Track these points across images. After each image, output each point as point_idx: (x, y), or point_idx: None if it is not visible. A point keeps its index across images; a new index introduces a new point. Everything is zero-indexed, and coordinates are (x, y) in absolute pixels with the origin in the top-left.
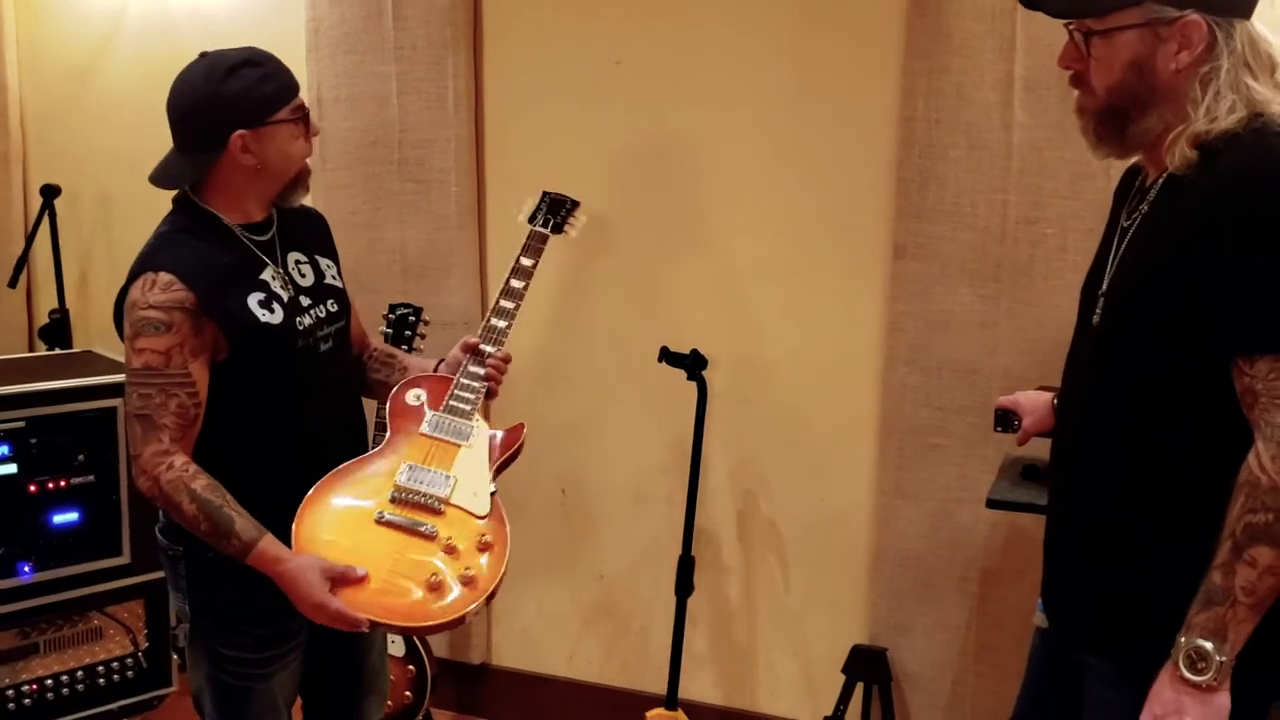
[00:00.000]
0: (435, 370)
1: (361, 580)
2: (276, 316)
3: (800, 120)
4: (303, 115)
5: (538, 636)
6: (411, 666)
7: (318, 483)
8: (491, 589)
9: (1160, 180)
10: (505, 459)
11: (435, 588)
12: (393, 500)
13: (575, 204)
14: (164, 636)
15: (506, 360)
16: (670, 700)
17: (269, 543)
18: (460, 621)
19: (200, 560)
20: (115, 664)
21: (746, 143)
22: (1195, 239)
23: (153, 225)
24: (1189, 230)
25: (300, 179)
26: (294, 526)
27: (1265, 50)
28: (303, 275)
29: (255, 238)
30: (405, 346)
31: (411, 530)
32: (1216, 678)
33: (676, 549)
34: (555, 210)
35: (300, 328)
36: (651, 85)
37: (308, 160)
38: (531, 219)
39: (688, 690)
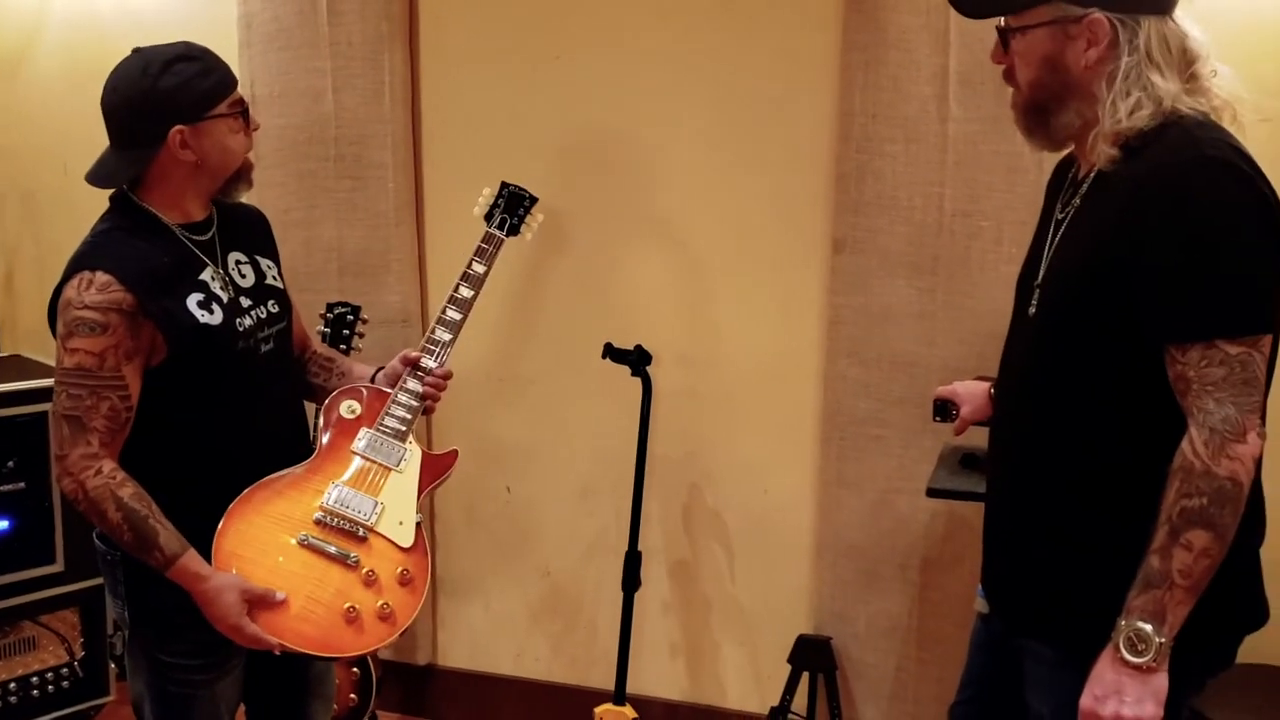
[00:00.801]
0: (373, 379)
1: (280, 604)
2: (216, 317)
3: (739, 114)
4: (241, 109)
5: (485, 635)
6: (356, 669)
7: (242, 494)
8: (407, 625)
9: (1091, 173)
10: (436, 485)
11: (351, 620)
12: (317, 522)
13: (533, 200)
14: (100, 645)
15: (447, 377)
16: (619, 695)
17: (191, 558)
18: (373, 654)
19: (140, 565)
20: (50, 674)
21: (686, 137)
22: (1123, 232)
23: (82, 225)
24: (1117, 223)
25: (242, 174)
26: (215, 539)
27: (1180, 46)
28: (243, 276)
29: (195, 237)
30: (343, 346)
31: (333, 557)
32: (1156, 659)
33: (623, 544)
34: (513, 207)
35: (240, 329)
36: (591, 80)
37: (249, 155)
38: (488, 216)
39: (636, 684)
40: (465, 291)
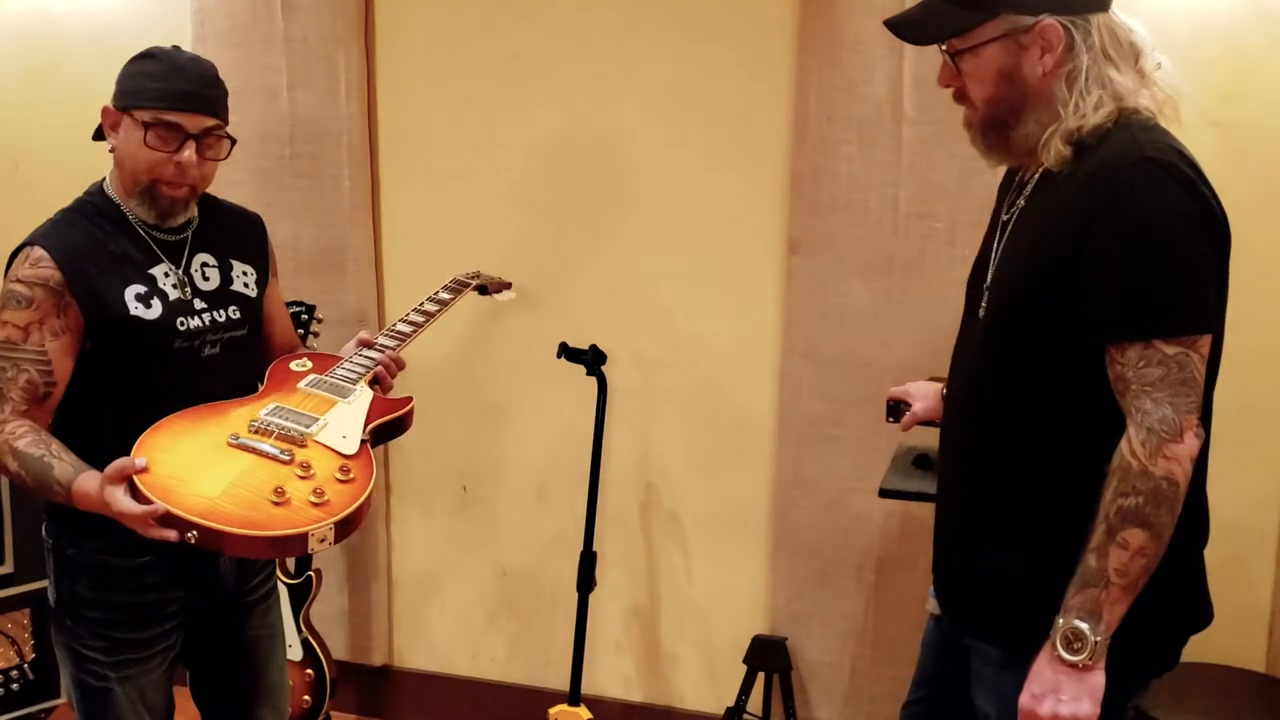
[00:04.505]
0: None
1: (142, 470)
2: (153, 312)
3: (695, 115)
4: (153, 127)
5: (440, 636)
6: (310, 670)
7: (176, 413)
8: (343, 515)
9: (1036, 175)
10: (387, 421)
11: (280, 502)
12: (251, 429)
13: (508, 284)
14: (50, 647)
15: (398, 363)
16: (573, 696)
17: (86, 477)
18: (302, 543)
19: (62, 555)
20: None
21: (642, 137)
22: (1066, 232)
23: (32, 222)
24: (1060, 224)
25: (151, 195)
26: (139, 447)
27: (1126, 39)
28: (206, 279)
29: (161, 235)
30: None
31: (264, 453)
32: (1092, 657)
33: (579, 544)
34: (483, 287)
35: (181, 328)
36: (547, 79)
37: (170, 189)
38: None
39: (591, 685)
40: (430, 306)
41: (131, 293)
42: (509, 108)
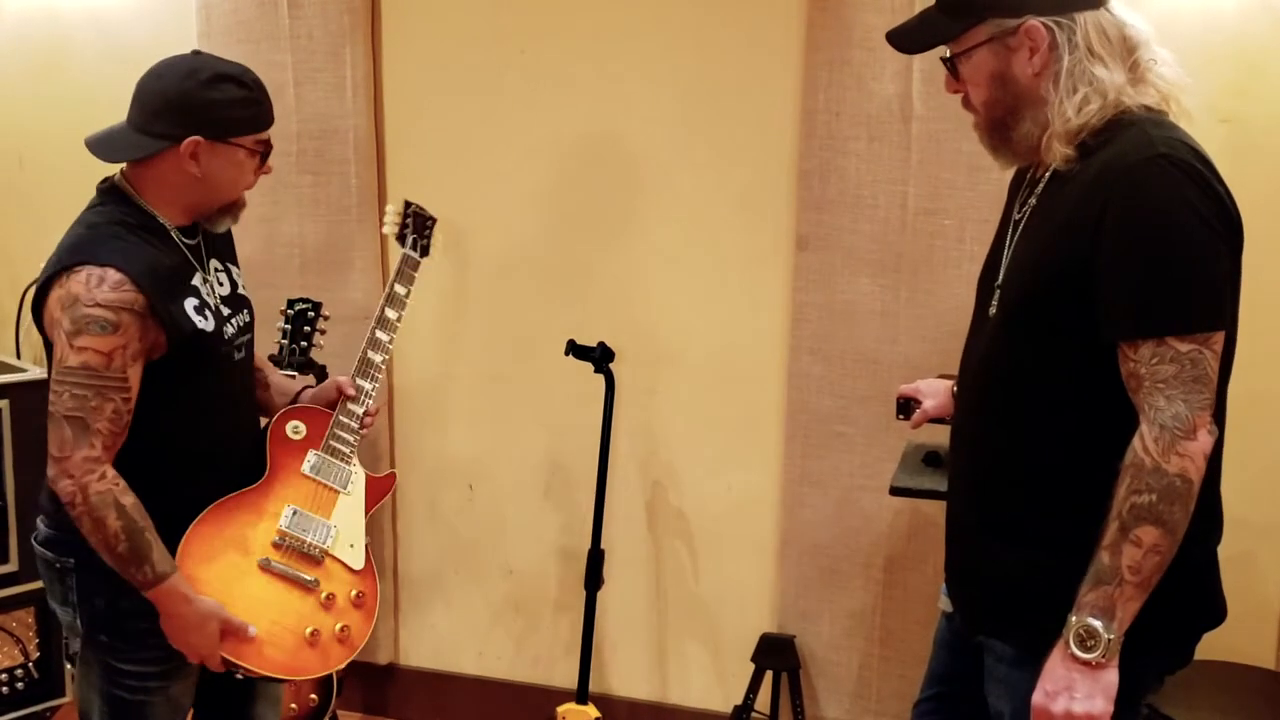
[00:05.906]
0: (299, 395)
1: (250, 638)
2: (209, 324)
3: (704, 111)
4: (263, 151)
5: (447, 634)
6: None
7: (200, 516)
8: (362, 645)
9: (1048, 173)
10: (377, 506)
11: (313, 644)
12: (276, 545)
13: (433, 220)
14: (56, 645)
15: (373, 414)
16: (581, 694)
17: (180, 580)
18: (329, 678)
19: (97, 570)
20: (4, 675)
21: (650, 134)
22: (1079, 229)
23: (36, 219)
24: (1071, 221)
25: (232, 209)
26: (178, 560)
27: (1117, 34)
28: (221, 284)
29: (187, 241)
30: (304, 343)
31: (294, 581)
32: (1105, 655)
33: (586, 542)
34: (420, 227)
35: (225, 336)
36: (555, 76)
37: (245, 194)
38: (400, 238)
39: (599, 684)
40: (391, 313)
41: (190, 305)
42: (516, 104)
